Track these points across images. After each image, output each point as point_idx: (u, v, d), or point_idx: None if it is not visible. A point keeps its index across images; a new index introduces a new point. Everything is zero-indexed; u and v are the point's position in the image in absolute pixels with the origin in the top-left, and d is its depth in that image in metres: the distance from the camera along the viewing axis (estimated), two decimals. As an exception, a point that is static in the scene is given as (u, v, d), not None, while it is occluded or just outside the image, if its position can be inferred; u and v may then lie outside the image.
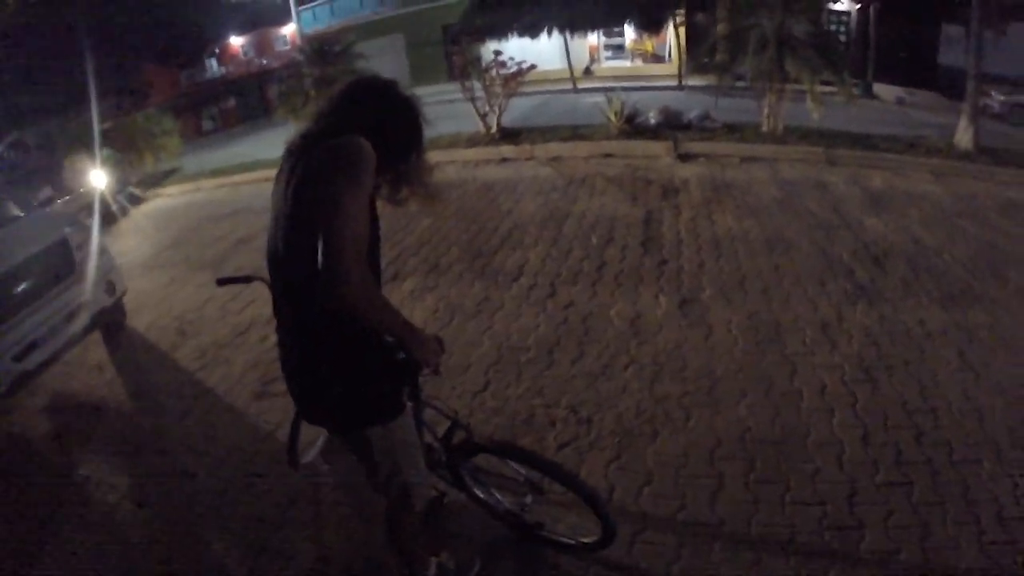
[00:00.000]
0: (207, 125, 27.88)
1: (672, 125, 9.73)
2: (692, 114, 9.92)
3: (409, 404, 2.05)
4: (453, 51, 18.22)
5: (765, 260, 5.24)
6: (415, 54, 23.70)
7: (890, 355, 3.83)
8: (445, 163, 9.70)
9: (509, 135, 10.49)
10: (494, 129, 10.57)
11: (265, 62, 31.64)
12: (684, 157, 8.62)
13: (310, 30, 24.11)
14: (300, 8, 25.65)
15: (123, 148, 16.83)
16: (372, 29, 22.57)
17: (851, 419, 3.28)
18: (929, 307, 4.37)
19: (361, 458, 2.12)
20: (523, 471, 2.46)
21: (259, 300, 5.40)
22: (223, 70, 33.06)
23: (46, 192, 12.67)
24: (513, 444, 2.46)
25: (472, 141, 10.57)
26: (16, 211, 6.39)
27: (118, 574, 3.05)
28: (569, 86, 18.02)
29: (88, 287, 5.60)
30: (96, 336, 5.78)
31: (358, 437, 2.04)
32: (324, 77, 11.82)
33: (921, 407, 3.33)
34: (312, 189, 1.68)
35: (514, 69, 10.30)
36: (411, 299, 5.27)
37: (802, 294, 4.65)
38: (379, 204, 1.94)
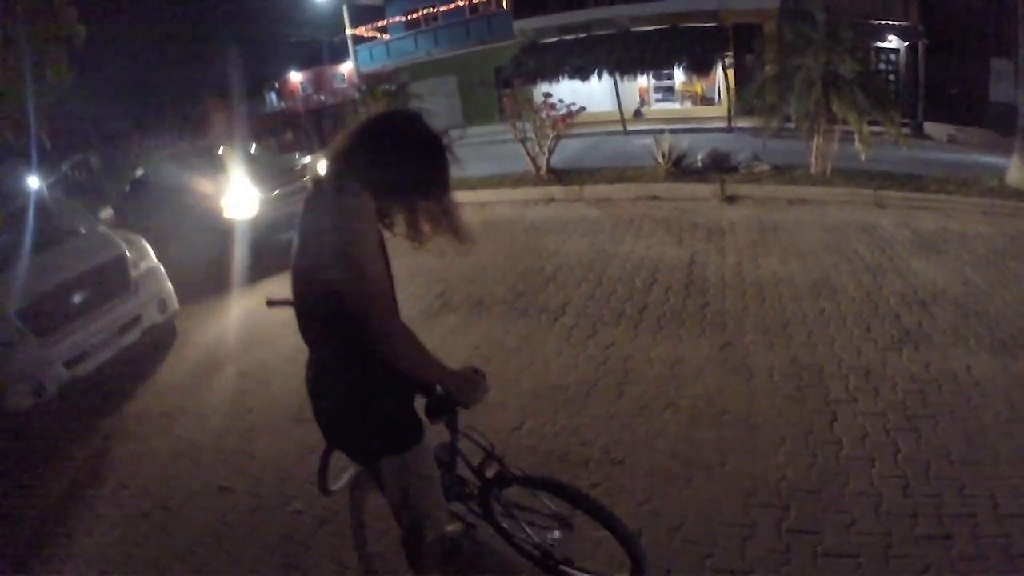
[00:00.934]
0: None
1: (720, 167, 9.79)
2: (740, 156, 9.95)
3: (426, 437, 2.09)
4: (504, 93, 18.62)
5: (810, 304, 5.21)
6: (467, 95, 24.30)
7: (935, 403, 3.76)
8: (494, 202, 9.93)
9: (558, 176, 10.68)
10: (543, 170, 10.74)
11: (323, 98, 32.79)
12: (731, 199, 8.65)
13: (366, 69, 24.95)
14: (357, 47, 26.62)
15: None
16: (426, 70, 23.26)
17: (891, 469, 3.22)
18: (977, 353, 4.27)
19: (380, 487, 2.16)
20: (553, 506, 2.48)
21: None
22: (282, 104, 34.37)
23: (108, 212, 13.25)
24: (546, 477, 2.48)
25: (521, 181, 10.74)
26: (79, 227, 6.80)
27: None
28: (619, 128, 18.18)
29: (141, 303, 5.96)
30: (146, 350, 6.11)
31: (375, 466, 2.11)
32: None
33: (966, 458, 3.26)
34: (324, 250, 1.75)
35: (564, 111, 10.49)
36: (453, 334, 5.37)
37: (846, 339, 4.60)
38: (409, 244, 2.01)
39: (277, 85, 35.43)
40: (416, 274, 6.50)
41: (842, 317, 4.94)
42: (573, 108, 10.59)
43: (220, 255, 7.92)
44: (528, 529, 2.64)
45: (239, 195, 8.32)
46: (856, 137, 8.72)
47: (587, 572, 2.62)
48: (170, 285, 6.45)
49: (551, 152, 10.74)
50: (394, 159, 1.84)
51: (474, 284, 6.42)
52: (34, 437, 5.00)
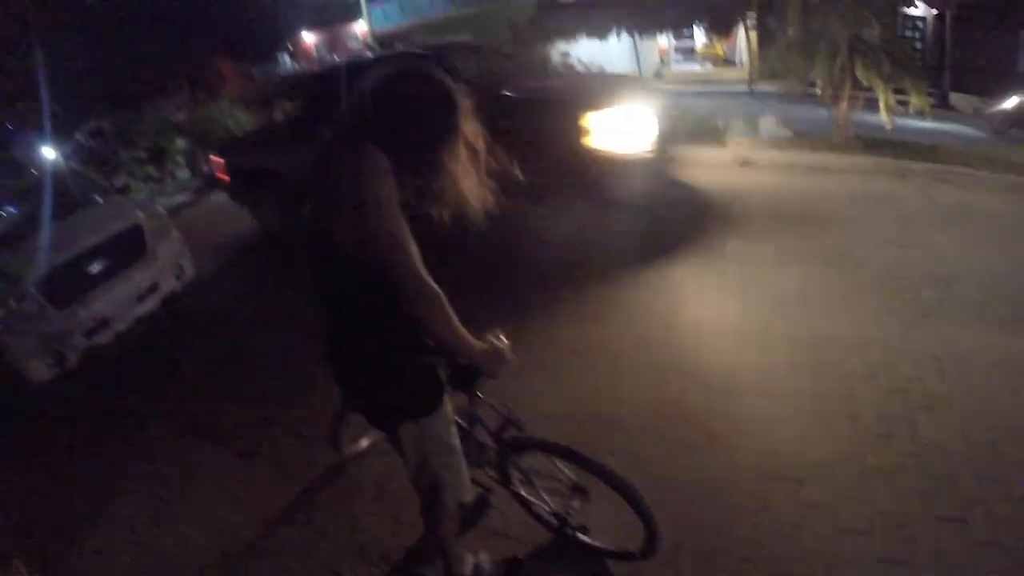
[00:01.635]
0: (280, 118, 28.70)
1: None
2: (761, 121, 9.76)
3: (445, 402, 2.10)
4: (521, 52, 18.30)
5: (832, 274, 5.16)
6: (485, 54, 23.86)
7: (954, 382, 3.73)
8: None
9: None
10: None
11: (337, 59, 32.37)
12: (748, 164, 8.47)
13: (380, 28, 24.57)
14: (371, 6, 26.19)
15: (197, 140, 17.54)
16: (441, 28, 22.79)
17: (909, 446, 3.22)
18: (997, 331, 4.22)
19: (399, 452, 2.18)
20: (570, 474, 2.52)
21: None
22: (296, 65, 33.97)
23: (122, 179, 13.27)
24: (562, 444, 2.49)
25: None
26: (95, 196, 6.86)
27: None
28: (639, 89, 17.84)
29: (159, 270, 6.02)
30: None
31: (392, 431, 2.13)
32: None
33: (983, 439, 3.22)
34: (348, 210, 1.71)
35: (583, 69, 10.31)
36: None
37: (865, 314, 4.57)
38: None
39: (291, 47, 34.95)
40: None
41: (861, 291, 4.88)
42: (591, 69, 10.43)
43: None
44: (546, 496, 2.67)
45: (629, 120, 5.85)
46: (881, 105, 8.54)
47: (602, 542, 2.67)
48: (187, 252, 6.48)
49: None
50: (409, 119, 1.82)
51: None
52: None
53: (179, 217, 12.22)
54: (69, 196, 6.58)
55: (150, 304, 5.87)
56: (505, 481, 2.66)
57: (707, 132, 9.56)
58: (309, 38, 35.01)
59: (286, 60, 34.40)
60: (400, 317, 1.80)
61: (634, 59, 18.48)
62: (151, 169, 16.77)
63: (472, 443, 2.47)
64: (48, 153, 14.32)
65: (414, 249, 1.75)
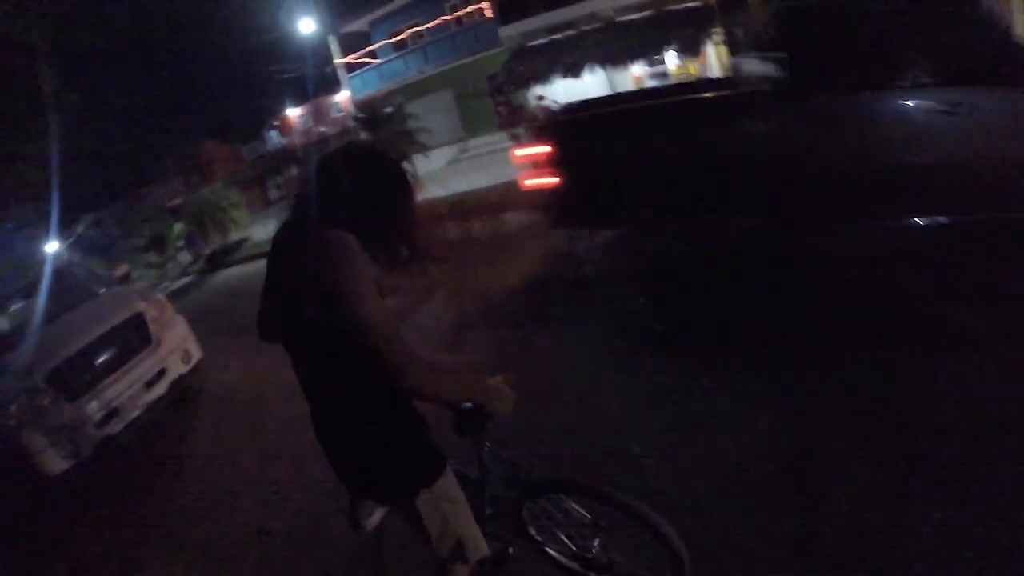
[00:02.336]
0: (273, 194, 29.26)
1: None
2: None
3: (452, 462, 2.07)
4: (498, 100, 18.62)
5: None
6: (465, 107, 24.29)
7: None
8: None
9: None
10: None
11: (323, 129, 33.03)
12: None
13: (361, 95, 25.09)
14: (350, 75, 26.78)
15: (194, 222, 17.87)
16: (420, 88, 23.37)
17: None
18: None
19: (413, 522, 2.07)
20: (587, 512, 2.41)
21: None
22: (283, 141, 34.66)
23: (124, 268, 13.45)
24: (573, 478, 2.40)
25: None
26: (96, 288, 6.98)
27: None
28: (621, 120, 18.02)
29: (164, 356, 6.08)
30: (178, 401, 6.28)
31: (407, 504, 2.02)
32: (378, 140, 12.33)
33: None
34: (325, 294, 1.65)
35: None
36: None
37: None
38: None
39: (276, 123, 35.76)
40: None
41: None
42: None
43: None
44: (565, 540, 2.54)
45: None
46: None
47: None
48: (192, 336, 6.55)
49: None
50: (367, 197, 1.82)
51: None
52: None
53: (184, 300, 12.38)
54: (71, 290, 6.71)
55: (159, 390, 5.92)
56: (521, 531, 2.56)
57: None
58: (294, 112, 35.80)
59: (273, 136, 35.14)
60: (393, 392, 1.75)
61: (608, 90, 18.75)
62: (152, 256, 17.08)
63: (486, 495, 2.40)
64: (51, 247, 14.56)
65: (396, 324, 1.72)
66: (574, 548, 2.53)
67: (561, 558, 2.62)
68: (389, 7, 25.63)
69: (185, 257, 17.68)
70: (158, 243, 17.13)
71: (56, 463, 5.15)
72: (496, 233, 8.67)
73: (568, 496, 2.45)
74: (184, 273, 16.00)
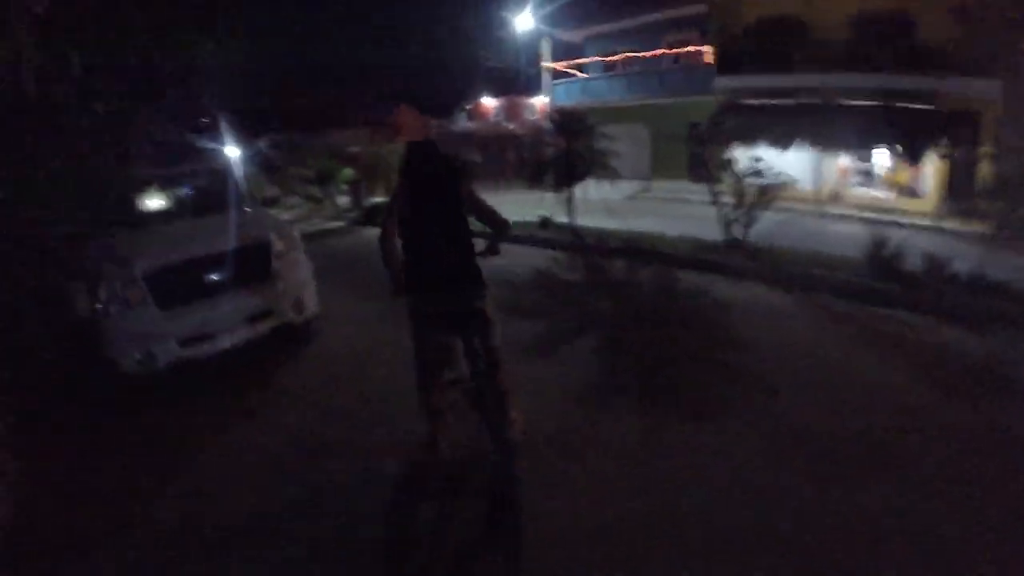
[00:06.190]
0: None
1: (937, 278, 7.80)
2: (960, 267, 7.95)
3: None
4: (701, 149, 17.58)
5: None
6: (657, 146, 23.44)
7: None
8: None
9: (755, 250, 9.28)
10: (741, 239, 9.52)
11: (512, 126, 33.12)
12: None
13: (559, 104, 24.83)
14: (554, 82, 26.62)
15: (364, 172, 18.18)
16: (617, 114, 22.62)
17: None
18: None
19: (482, 335, 3.39)
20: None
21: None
22: (471, 125, 35.16)
23: (273, 191, 13.56)
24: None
25: (710, 249, 9.60)
26: (245, 204, 6.62)
27: None
28: (812, 207, 16.72)
29: (278, 297, 5.57)
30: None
31: (481, 305, 3.34)
32: (567, 150, 11.65)
33: None
34: (463, 186, 3.44)
35: (772, 181, 9.27)
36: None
37: None
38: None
39: (468, 107, 36.29)
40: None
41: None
42: (780, 178, 9.36)
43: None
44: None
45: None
46: None
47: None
48: (313, 286, 6.05)
49: (752, 223, 9.44)
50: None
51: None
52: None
53: (323, 243, 12.12)
54: (219, 195, 6.41)
55: (260, 329, 5.43)
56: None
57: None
58: (489, 102, 36.27)
59: (463, 119, 35.75)
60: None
61: (811, 174, 17.23)
62: (315, 189, 17.45)
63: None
64: (232, 152, 15.03)
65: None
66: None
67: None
68: (608, 27, 25.46)
69: (344, 202, 17.92)
70: (325, 180, 17.48)
71: (126, 362, 4.78)
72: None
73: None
74: (339, 216, 16.06)
